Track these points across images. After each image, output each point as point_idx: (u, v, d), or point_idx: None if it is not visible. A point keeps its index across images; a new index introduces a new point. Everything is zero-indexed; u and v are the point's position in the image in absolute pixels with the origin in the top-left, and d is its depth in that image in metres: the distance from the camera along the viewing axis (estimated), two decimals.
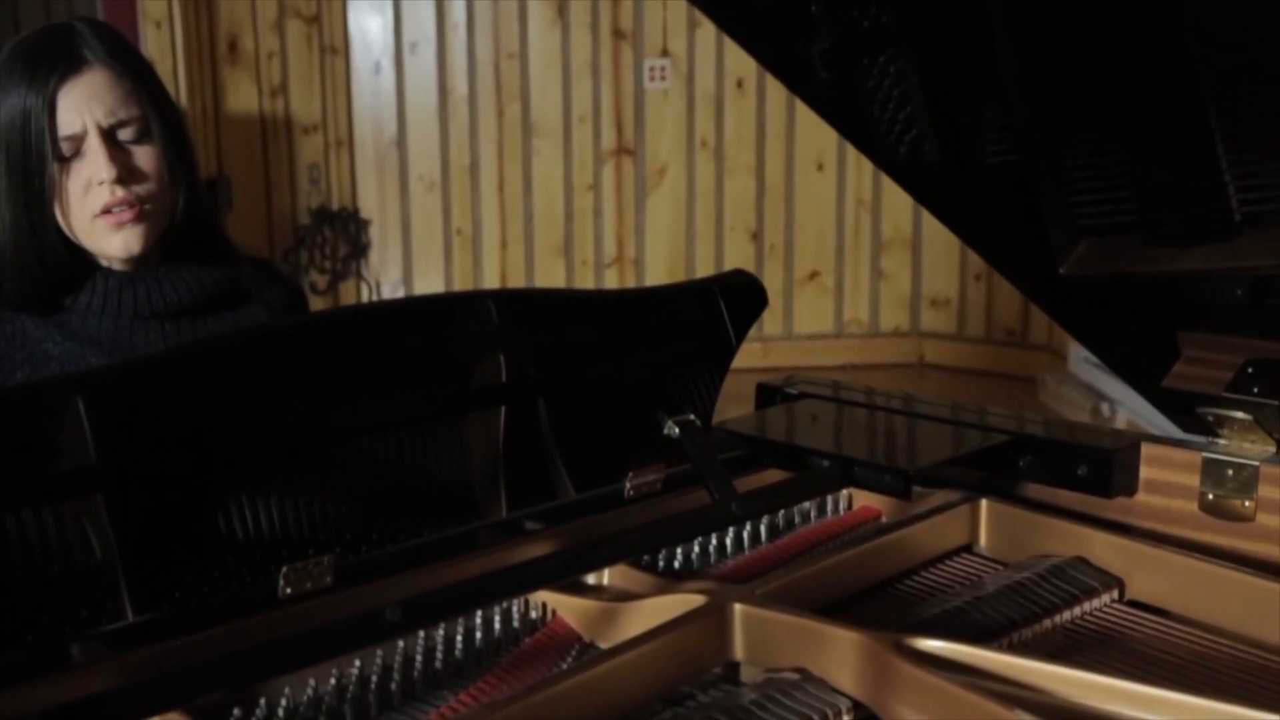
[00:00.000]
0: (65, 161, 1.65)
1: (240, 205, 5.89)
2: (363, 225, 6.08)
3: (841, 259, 6.05)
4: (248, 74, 5.86)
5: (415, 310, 1.32)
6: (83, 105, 1.63)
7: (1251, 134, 1.23)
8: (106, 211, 1.66)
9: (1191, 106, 1.24)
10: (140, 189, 1.67)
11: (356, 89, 5.98)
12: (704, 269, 6.03)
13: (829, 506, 1.48)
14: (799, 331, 6.10)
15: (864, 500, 1.48)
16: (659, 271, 6.06)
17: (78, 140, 1.65)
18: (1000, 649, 1.14)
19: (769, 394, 1.67)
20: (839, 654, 1.09)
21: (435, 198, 6.05)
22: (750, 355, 6.08)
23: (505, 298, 1.33)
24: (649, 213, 6.04)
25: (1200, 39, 1.20)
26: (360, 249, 6.09)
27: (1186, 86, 1.23)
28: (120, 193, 1.65)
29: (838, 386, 1.69)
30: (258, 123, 5.90)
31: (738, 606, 1.15)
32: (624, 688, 1.07)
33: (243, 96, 5.86)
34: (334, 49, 5.94)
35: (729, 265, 6.05)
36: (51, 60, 1.62)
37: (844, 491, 1.48)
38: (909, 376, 5.97)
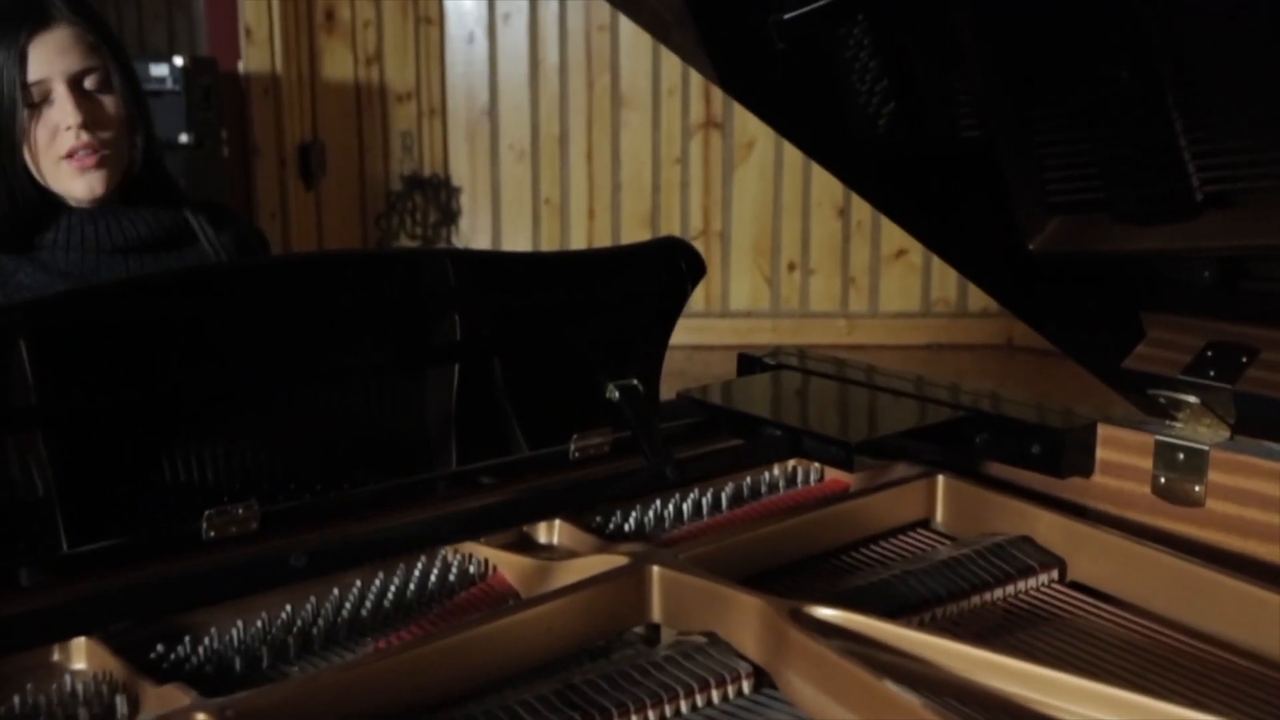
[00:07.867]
0: (34, 108, 1.82)
1: (334, 171, 5.99)
2: (453, 193, 6.15)
3: None
4: (344, 42, 5.95)
5: (375, 262, 1.35)
6: (51, 57, 1.81)
7: (1210, 112, 1.21)
8: (71, 155, 1.84)
9: (1150, 82, 1.21)
10: (103, 134, 1.85)
11: (450, 58, 6.04)
12: (790, 244, 6.00)
13: (799, 477, 1.48)
14: (884, 310, 6.04)
15: (837, 473, 1.48)
16: (744, 245, 6.04)
17: (45, 88, 1.82)
18: (912, 623, 1.14)
19: (750, 363, 1.68)
20: (743, 619, 1.10)
21: (525, 167, 6.09)
22: (835, 332, 6.06)
23: (463, 258, 1.36)
24: (736, 186, 6.01)
25: (1159, 15, 1.18)
26: (450, 216, 6.17)
27: (1144, 62, 1.21)
28: (85, 138, 1.83)
29: (835, 362, 1.69)
30: (353, 90, 5.99)
31: (655, 569, 1.16)
32: (534, 638, 1.10)
33: (339, 64, 5.95)
34: (429, 18, 6.01)
35: (816, 241, 6.03)
36: (21, 16, 1.81)
37: (814, 464, 1.48)
38: (996, 358, 5.87)
